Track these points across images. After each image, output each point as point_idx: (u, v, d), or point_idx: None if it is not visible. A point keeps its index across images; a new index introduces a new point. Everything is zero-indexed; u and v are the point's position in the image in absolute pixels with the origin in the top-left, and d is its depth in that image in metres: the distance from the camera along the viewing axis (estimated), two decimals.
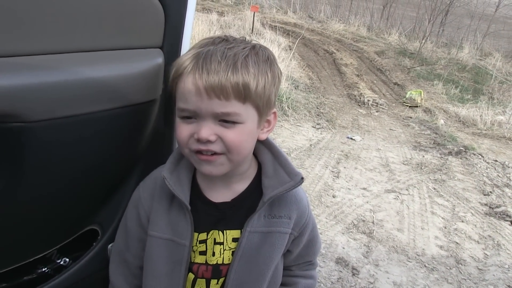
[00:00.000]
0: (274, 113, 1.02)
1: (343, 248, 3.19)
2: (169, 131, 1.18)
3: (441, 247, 3.43)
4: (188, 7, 1.06)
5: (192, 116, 0.91)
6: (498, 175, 5.13)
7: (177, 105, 0.93)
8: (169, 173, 1.00)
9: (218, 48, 0.89)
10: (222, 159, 0.94)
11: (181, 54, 1.08)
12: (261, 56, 0.93)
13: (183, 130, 0.92)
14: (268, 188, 1.02)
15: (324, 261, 2.97)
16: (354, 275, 2.90)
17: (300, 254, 1.18)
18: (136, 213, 1.07)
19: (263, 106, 0.94)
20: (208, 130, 0.89)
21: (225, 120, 0.90)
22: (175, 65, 0.93)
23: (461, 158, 5.51)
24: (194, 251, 1.04)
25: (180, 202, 1.00)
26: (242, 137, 0.92)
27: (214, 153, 0.92)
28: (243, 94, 0.88)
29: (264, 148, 1.08)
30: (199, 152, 0.92)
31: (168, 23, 1.03)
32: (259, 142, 1.04)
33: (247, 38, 0.99)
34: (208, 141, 0.90)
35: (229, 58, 0.88)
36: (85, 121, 0.91)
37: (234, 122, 0.90)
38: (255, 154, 1.07)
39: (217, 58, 0.87)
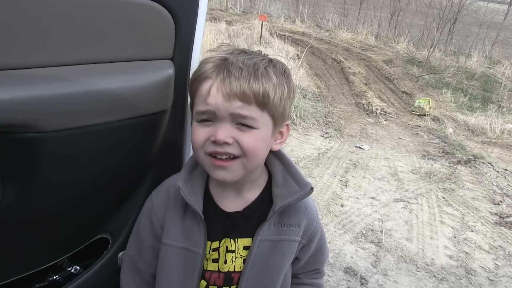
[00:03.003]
0: (287, 125, 1.04)
1: (352, 257, 3.18)
2: (179, 140, 1.19)
3: (450, 257, 3.40)
4: (198, 19, 1.08)
5: (210, 119, 0.93)
6: (508, 184, 5.08)
7: (195, 109, 0.95)
8: (183, 182, 1.01)
9: (238, 57, 0.92)
10: (236, 164, 0.95)
11: (192, 65, 1.09)
12: (278, 69, 0.96)
13: (200, 133, 0.94)
14: (278, 198, 1.03)
15: (332, 271, 2.96)
16: (362, 284, 2.88)
17: (308, 262, 1.18)
18: (150, 222, 1.08)
19: (278, 116, 0.96)
20: (225, 131, 0.90)
21: (242, 124, 0.91)
22: (195, 72, 0.96)
23: (470, 167, 5.47)
24: (207, 259, 1.05)
25: (193, 211, 1.01)
26: (257, 142, 0.94)
27: (230, 157, 0.93)
28: (262, 101, 0.91)
29: (274, 158, 1.09)
30: (214, 156, 0.93)
31: (178, 34, 1.04)
32: (270, 152, 1.05)
33: (263, 52, 1.03)
34: (225, 143, 0.91)
35: (249, 66, 0.91)
36: (96, 132, 0.92)
37: (250, 127, 0.92)
38: (265, 163, 1.08)
39: (238, 65, 0.90)
